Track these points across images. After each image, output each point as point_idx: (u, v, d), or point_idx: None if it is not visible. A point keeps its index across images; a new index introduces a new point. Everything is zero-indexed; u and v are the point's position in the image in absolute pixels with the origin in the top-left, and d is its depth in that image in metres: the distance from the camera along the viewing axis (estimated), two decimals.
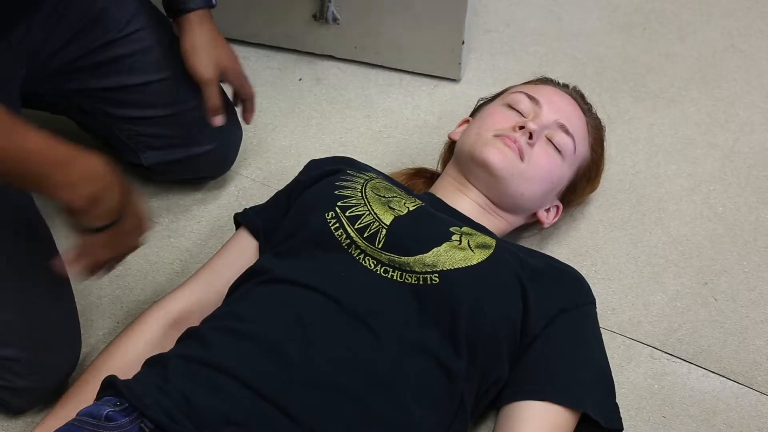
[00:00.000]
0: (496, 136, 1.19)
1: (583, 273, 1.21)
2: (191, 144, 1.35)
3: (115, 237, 0.97)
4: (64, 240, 1.35)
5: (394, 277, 1.03)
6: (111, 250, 0.98)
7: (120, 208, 0.95)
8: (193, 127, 1.33)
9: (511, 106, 1.24)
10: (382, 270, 1.04)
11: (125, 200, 0.96)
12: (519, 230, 1.33)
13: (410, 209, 1.11)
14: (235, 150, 1.43)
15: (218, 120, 1.27)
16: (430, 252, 1.05)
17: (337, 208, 1.10)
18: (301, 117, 1.59)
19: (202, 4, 1.24)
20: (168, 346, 1.07)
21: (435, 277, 1.03)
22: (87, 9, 1.22)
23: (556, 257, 1.30)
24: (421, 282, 1.03)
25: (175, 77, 1.29)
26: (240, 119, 1.38)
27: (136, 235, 1.01)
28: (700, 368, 1.23)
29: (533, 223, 1.32)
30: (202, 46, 1.23)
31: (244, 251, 1.20)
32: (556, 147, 1.22)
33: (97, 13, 1.23)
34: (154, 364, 0.98)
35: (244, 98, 1.32)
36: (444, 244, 1.06)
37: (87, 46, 1.23)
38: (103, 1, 1.24)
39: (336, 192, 1.13)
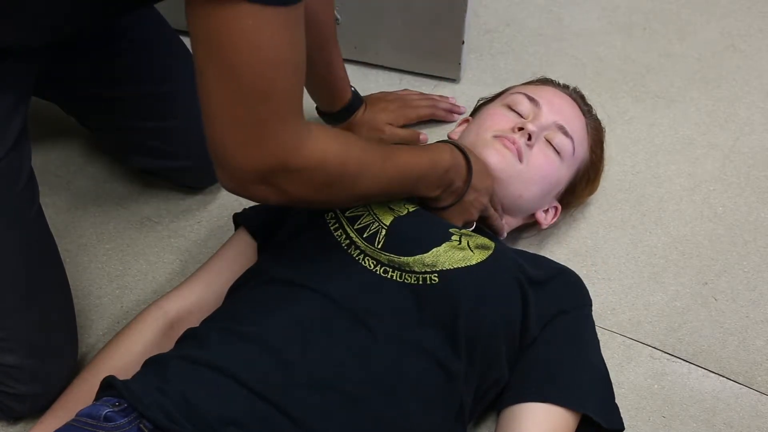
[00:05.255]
0: (495, 137, 1.19)
1: (582, 273, 1.21)
2: (175, 158, 1.36)
3: (462, 209, 1.14)
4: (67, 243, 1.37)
5: (394, 278, 1.03)
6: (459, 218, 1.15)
7: (463, 187, 1.12)
8: (176, 143, 1.34)
9: (510, 107, 1.24)
10: (381, 270, 1.04)
11: (467, 180, 1.12)
12: (518, 230, 1.33)
13: (410, 209, 1.11)
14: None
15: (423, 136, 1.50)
16: (430, 252, 1.04)
17: (336, 209, 1.10)
18: None
19: (359, 103, 1.44)
20: (166, 346, 1.07)
21: (434, 276, 1.03)
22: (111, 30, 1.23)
23: (556, 257, 1.30)
24: (420, 282, 1.02)
25: (167, 92, 1.29)
26: None
27: (476, 208, 1.16)
28: (700, 368, 1.23)
29: (532, 224, 1.31)
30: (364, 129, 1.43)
31: (243, 252, 1.19)
32: (555, 148, 1.21)
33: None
34: (153, 364, 0.97)
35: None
36: (443, 244, 1.06)
37: (95, 58, 1.23)
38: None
39: None
